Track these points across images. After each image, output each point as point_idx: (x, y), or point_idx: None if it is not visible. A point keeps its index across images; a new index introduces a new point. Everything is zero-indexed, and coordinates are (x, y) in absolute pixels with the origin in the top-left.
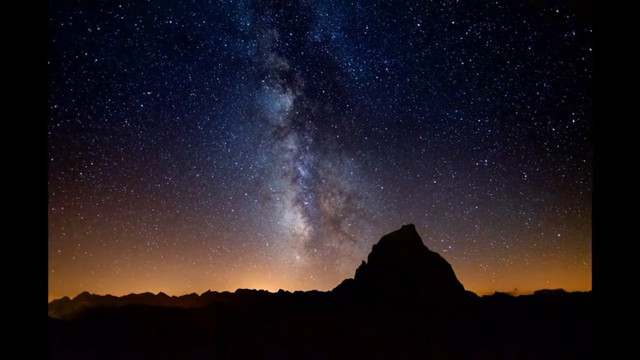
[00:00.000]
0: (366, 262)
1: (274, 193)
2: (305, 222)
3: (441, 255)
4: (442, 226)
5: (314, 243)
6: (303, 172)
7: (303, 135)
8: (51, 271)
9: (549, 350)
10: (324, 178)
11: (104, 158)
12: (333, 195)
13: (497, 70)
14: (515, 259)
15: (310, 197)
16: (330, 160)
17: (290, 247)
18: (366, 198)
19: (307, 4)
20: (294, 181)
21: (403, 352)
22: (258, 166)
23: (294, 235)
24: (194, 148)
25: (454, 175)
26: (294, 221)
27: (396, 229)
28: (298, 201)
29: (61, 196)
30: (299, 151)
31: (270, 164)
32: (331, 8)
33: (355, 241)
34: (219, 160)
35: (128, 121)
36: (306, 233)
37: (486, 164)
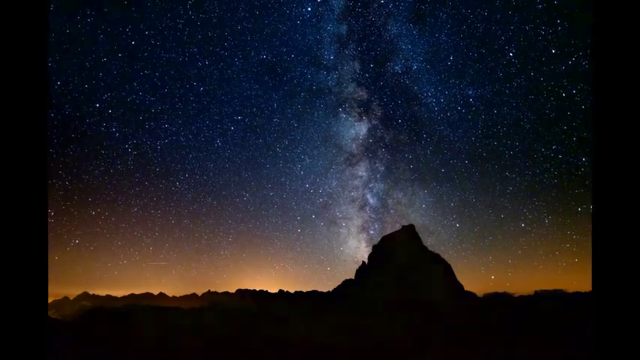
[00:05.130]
0: (366, 262)
1: (340, 218)
2: (369, 251)
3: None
4: (529, 276)
5: None
6: (371, 200)
7: (375, 163)
8: (141, 265)
9: (549, 350)
10: (392, 208)
11: (196, 172)
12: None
13: None
14: None
15: (377, 226)
16: (401, 190)
17: (351, 275)
18: (438, 234)
19: (390, 36)
20: (362, 208)
21: (403, 352)
22: (328, 190)
23: (356, 262)
24: (271, 169)
25: (548, 220)
26: (357, 249)
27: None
28: (364, 229)
29: (159, 201)
30: (369, 179)
31: (339, 189)
32: (414, 40)
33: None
34: (292, 182)
35: (220, 141)
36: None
37: (592, 211)
